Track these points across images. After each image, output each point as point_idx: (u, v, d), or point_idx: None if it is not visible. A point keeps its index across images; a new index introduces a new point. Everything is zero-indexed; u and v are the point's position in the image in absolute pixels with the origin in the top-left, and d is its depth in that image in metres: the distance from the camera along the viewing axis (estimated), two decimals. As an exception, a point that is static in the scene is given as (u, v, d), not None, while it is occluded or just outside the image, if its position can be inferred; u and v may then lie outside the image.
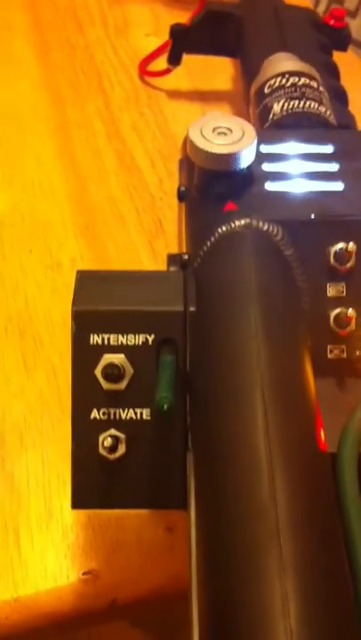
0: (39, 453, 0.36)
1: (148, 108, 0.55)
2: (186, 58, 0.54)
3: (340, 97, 0.43)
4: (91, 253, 0.45)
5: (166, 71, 0.55)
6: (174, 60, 0.54)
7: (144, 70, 0.57)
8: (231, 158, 0.28)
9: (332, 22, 0.52)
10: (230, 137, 0.29)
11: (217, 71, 0.57)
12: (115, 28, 0.63)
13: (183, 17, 0.58)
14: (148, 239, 0.46)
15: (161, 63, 0.56)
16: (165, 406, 0.24)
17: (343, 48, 0.53)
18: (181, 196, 0.32)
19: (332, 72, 0.46)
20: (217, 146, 0.28)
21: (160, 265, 0.45)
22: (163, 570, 0.32)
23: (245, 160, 0.29)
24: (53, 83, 0.57)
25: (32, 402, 0.38)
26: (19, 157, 0.51)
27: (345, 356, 0.29)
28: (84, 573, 0.32)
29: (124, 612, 0.33)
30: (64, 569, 0.32)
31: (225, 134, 0.29)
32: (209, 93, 0.56)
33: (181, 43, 0.53)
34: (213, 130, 0.29)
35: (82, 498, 0.27)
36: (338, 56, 0.51)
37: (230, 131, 0.29)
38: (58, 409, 0.37)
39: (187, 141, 0.29)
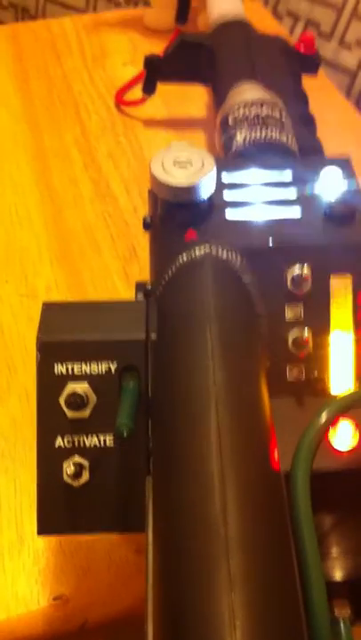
0: (11, 479, 0.36)
1: (124, 136, 0.56)
2: (161, 86, 0.56)
3: (307, 123, 0.44)
4: (66, 281, 0.46)
5: (142, 100, 0.56)
6: (149, 90, 0.55)
7: (120, 99, 0.58)
8: (191, 190, 0.29)
9: (302, 49, 0.53)
10: (190, 169, 0.29)
11: (192, 99, 0.58)
12: (92, 57, 0.64)
13: (160, 45, 0.59)
14: (122, 265, 0.47)
15: (137, 92, 0.57)
16: (125, 432, 0.25)
17: (313, 73, 0.54)
18: (146, 226, 0.33)
19: (300, 99, 0.47)
20: (177, 178, 0.29)
21: (134, 290, 0.45)
22: (132, 591, 0.33)
23: (205, 191, 0.29)
24: (32, 112, 0.58)
25: (5, 428, 0.38)
26: (-4, 186, 0.52)
27: (303, 376, 0.29)
28: (54, 598, 0.33)
29: (94, 634, 0.33)
30: (35, 594, 0.33)
31: (185, 167, 0.30)
32: (184, 121, 0.58)
33: (156, 73, 0.54)
34: (174, 162, 0.30)
35: (48, 524, 0.27)
36: (311, 80, 0.52)
37: (190, 163, 0.30)
38: (30, 435, 0.37)
39: (150, 174, 0.30)
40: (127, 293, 0.45)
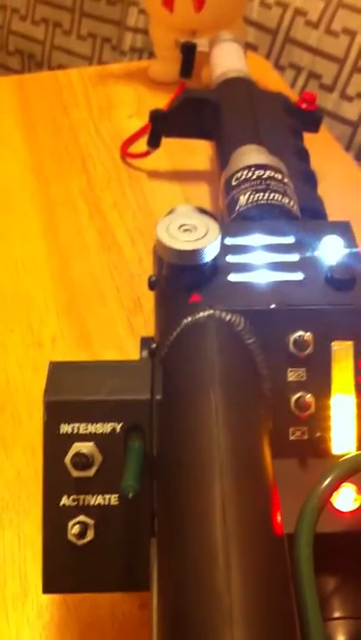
0: (16, 532, 0.37)
1: (129, 187, 0.57)
2: (166, 139, 0.57)
3: (309, 181, 0.46)
4: (71, 331, 0.47)
5: (146, 153, 0.57)
6: (154, 144, 0.56)
7: (125, 152, 0.60)
8: (196, 254, 0.30)
9: (304, 106, 0.55)
10: (195, 234, 0.30)
11: (196, 152, 0.59)
12: (98, 108, 0.66)
13: (165, 98, 0.61)
14: (126, 316, 0.48)
15: (142, 144, 0.59)
16: (130, 494, 0.26)
17: (315, 130, 0.56)
18: (151, 286, 0.33)
19: (302, 157, 0.48)
20: (182, 242, 0.30)
21: (138, 341, 0.46)
22: (136, 648, 0.33)
23: (209, 255, 0.30)
24: (39, 163, 0.60)
25: (9, 480, 0.39)
26: (4, 236, 0.53)
27: (306, 437, 0.30)
28: (58, 653, 0.33)
29: None
30: (39, 648, 0.33)
31: (190, 231, 0.31)
32: (188, 174, 0.59)
33: (160, 127, 0.55)
34: (179, 227, 0.31)
35: (52, 582, 0.28)
36: (313, 135, 0.54)
37: (195, 228, 0.31)
38: (35, 488, 0.38)
39: (155, 238, 0.31)
40: (132, 344, 0.46)
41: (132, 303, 0.49)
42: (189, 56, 0.60)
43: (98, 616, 0.34)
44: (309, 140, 0.52)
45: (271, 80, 0.71)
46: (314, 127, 0.55)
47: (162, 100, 0.60)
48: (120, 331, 0.47)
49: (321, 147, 0.59)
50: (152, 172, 0.59)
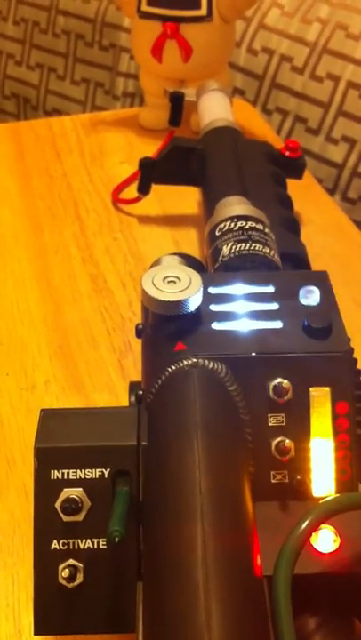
0: (9, 573, 0.38)
1: (121, 232, 0.59)
2: (156, 185, 0.59)
3: (291, 227, 0.47)
4: (64, 374, 0.48)
5: (137, 199, 0.59)
6: (144, 190, 0.58)
7: (117, 197, 0.62)
8: (179, 304, 0.32)
9: (287, 153, 0.57)
10: (179, 285, 0.32)
11: (185, 197, 0.61)
12: (91, 155, 0.68)
13: (155, 144, 0.63)
14: (117, 358, 0.49)
15: (133, 190, 0.61)
16: (117, 539, 0.27)
17: (298, 176, 0.58)
18: (139, 334, 0.35)
19: (285, 203, 0.50)
20: (166, 294, 0.32)
21: (128, 383, 0.48)
22: None
23: (192, 305, 0.32)
24: (33, 209, 0.62)
25: (3, 523, 0.40)
26: (-1, 282, 0.55)
27: (287, 480, 0.31)
28: None
29: None
30: None
31: (174, 282, 0.32)
32: (177, 218, 0.61)
33: (150, 174, 0.57)
34: (164, 279, 0.32)
35: (44, 624, 0.29)
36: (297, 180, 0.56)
37: (179, 279, 0.32)
38: (29, 530, 0.39)
39: (141, 289, 0.33)
40: (122, 386, 0.48)
41: (122, 346, 0.50)
42: (178, 105, 0.62)
43: (89, 656, 0.35)
44: (294, 185, 0.55)
45: (257, 125, 0.74)
46: (297, 174, 0.58)
47: (152, 147, 0.62)
48: (111, 373, 0.48)
49: (305, 191, 0.61)
50: (143, 218, 0.61)
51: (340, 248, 0.58)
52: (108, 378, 0.48)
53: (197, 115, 0.62)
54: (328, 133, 0.83)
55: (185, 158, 0.55)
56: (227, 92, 0.62)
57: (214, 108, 0.59)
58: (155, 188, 0.59)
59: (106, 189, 0.63)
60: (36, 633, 0.29)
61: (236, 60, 0.86)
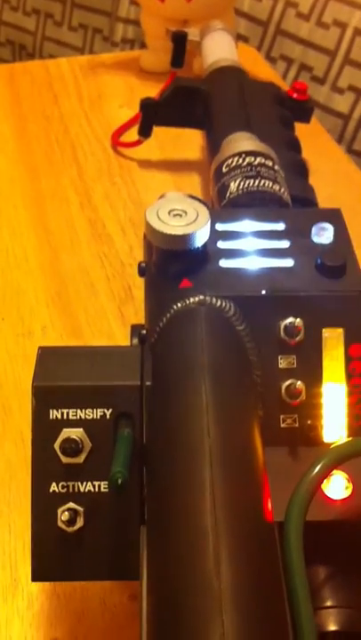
0: (6, 522, 0.36)
1: (120, 177, 0.57)
2: (157, 129, 0.57)
3: (300, 170, 0.45)
4: (61, 321, 0.46)
5: (137, 142, 0.57)
6: (145, 133, 0.56)
7: (116, 141, 0.59)
8: (186, 239, 0.30)
9: (295, 96, 0.55)
10: (185, 218, 0.30)
11: (187, 142, 0.59)
12: (89, 98, 0.66)
13: (156, 88, 0.60)
14: (117, 306, 0.48)
15: (133, 134, 0.58)
16: (119, 481, 0.25)
17: (306, 120, 0.55)
18: (141, 272, 0.33)
19: (293, 146, 0.48)
20: (172, 227, 0.30)
21: (129, 330, 0.46)
22: (126, 638, 0.33)
23: (199, 240, 0.30)
24: (29, 154, 0.59)
25: (0, 471, 0.38)
26: (-6, 227, 0.53)
27: (297, 425, 0.30)
28: (47, 643, 0.33)
29: None
30: (29, 638, 0.33)
31: (180, 216, 0.30)
32: (179, 163, 0.59)
33: (151, 116, 0.55)
34: (169, 212, 0.30)
35: (42, 570, 0.28)
36: (304, 127, 0.54)
37: (185, 212, 0.30)
38: (26, 479, 0.37)
39: (145, 223, 0.31)
40: (122, 334, 0.46)
41: (123, 293, 0.48)
42: (181, 45, 0.59)
43: (88, 607, 0.34)
44: (300, 132, 0.52)
45: (262, 71, 0.71)
46: (305, 118, 0.55)
47: (153, 91, 0.60)
48: (111, 320, 0.47)
49: (312, 139, 0.59)
50: (143, 162, 0.59)
51: (348, 198, 0.56)
52: (108, 325, 0.46)
53: (201, 56, 0.59)
54: (334, 82, 0.80)
55: (188, 99, 0.53)
56: (232, 33, 0.60)
57: (219, 48, 0.57)
58: (156, 131, 0.57)
59: (105, 133, 0.61)
60: (34, 579, 0.28)
61: (240, 6, 0.83)
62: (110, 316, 0.47)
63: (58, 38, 1.00)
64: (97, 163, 0.58)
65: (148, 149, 0.58)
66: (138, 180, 0.57)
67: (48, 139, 0.61)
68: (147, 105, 0.55)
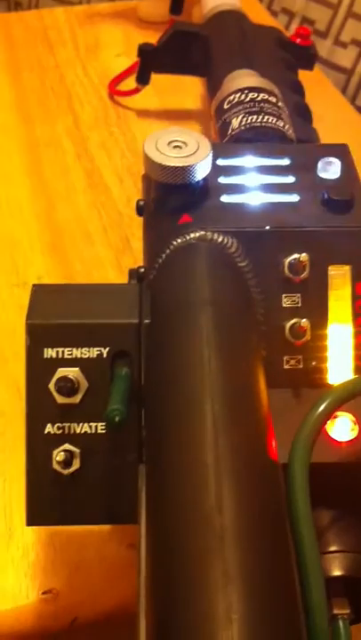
0: (1, 471, 0.35)
1: (117, 127, 0.55)
2: (155, 77, 0.55)
3: (303, 114, 0.44)
4: (57, 271, 0.45)
5: (135, 90, 0.55)
6: (143, 80, 0.54)
7: (113, 90, 0.58)
8: (186, 171, 0.28)
9: (298, 41, 0.53)
10: (185, 150, 0.29)
11: (185, 90, 0.57)
12: (86, 47, 0.64)
13: (154, 37, 0.58)
14: (115, 256, 0.46)
15: (130, 83, 0.57)
16: (117, 418, 0.24)
17: (309, 67, 0.54)
18: (140, 211, 0.32)
19: (296, 89, 0.46)
20: (172, 159, 0.28)
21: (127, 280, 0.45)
22: (124, 588, 0.32)
23: (200, 173, 0.29)
24: (24, 102, 0.57)
25: (-6, 419, 0.37)
26: (-13, 176, 0.51)
27: (301, 366, 0.29)
28: (43, 592, 0.32)
29: (85, 630, 0.32)
30: (24, 588, 0.32)
31: (180, 147, 0.29)
32: (177, 112, 0.57)
33: (150, 62, 0.53)
34: (169, 143, 0.29)
35: (37, 514, 0.27)
36: (307, 75, 0.52)
37: (185, 144, 0.29)
38: (21, 427, 0.36)
39: (143, 155, 0.29)
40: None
41: (120, 242, 0.47)
42: (179, -10, 0.57)
43: (85, 556, 0.33)
44: (303, 79, 0.50)
45: (264, 23, 0.69)
46: (308, 64, 0.53)
47: (151, 40, 0.57)
48: (108, 270, 0.45)
49: (315, 87, 0.57)
50: (141, 111, 0.57)
51: (353, 147, 0.54)
52: (105, 275, 0.45)
53: (200, 3, 0.57)
54: (337, 36, 0.78)
55: (187, 44, 0.51)
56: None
57: (219, -8, 0.55)
58: (154, 80, 0.55)
59: (101, 82, 0.59)
60: (29, 524, 0.27)
61: None
62: (108, 266, 0.46)
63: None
64: (93, 111, 0.57)
65: (145, 98, 0.57)
66: (135, 130, 0.55)
67: (43, 87, 0.59)
68: (145, 50, 0.53)
